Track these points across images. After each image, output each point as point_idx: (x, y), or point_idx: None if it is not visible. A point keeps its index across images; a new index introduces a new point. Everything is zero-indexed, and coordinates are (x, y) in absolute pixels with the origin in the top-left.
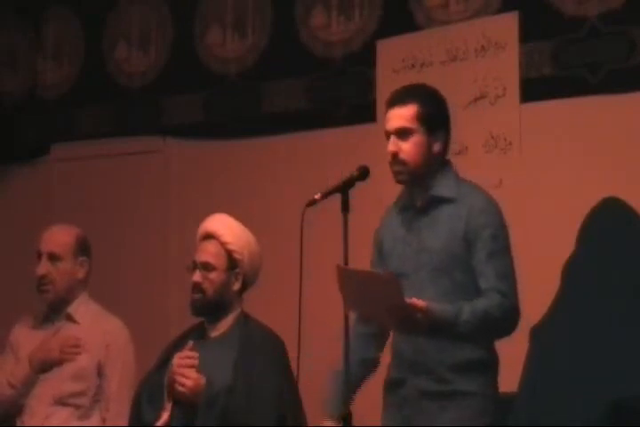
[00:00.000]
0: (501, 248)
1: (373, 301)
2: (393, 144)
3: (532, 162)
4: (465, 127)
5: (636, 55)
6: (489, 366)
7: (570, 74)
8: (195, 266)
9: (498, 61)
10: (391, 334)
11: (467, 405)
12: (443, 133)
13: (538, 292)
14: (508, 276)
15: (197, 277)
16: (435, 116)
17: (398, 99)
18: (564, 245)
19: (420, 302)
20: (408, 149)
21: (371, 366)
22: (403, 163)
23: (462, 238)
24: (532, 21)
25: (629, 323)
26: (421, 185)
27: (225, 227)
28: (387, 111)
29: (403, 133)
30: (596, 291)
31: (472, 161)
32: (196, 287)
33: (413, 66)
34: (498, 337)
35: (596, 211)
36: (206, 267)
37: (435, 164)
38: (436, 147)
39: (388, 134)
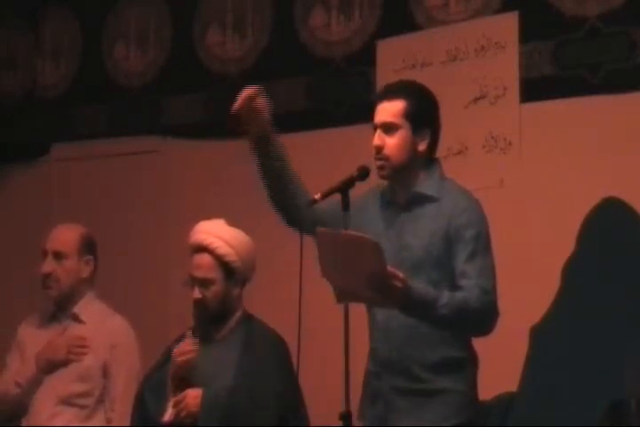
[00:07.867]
0: (483, 248)
1: (352, 268)
2: (378, 138)
3: (532, 162)
4: (465, 127)
5: (635, 55)
6: (466, 364)
7: (570, 74)
8: (193, 283)
9: (498, 61)
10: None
11: (442, 402)
12: (429, 132)
13: (538, 292)
14: (488, 274)
15: (198, 293)
16: (421, 115)
17: (387, 93)
18: (564, 245)
19: (400, 273)
20: (392, 144)
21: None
22: (386, 158)
23: (443, 237)
24: (532, 21)
25: (629, 323)
26: (404, 182)
27: (217, 238)
28: (376, 103)
29: (388, 128)
30: (596, 291)
31: (472, 161)
32: (198, 303)
33: (413, 66)
34: (474, 332)
35: (595, 211)
36: (205, 282)
37: (418, 162)
38: (421, 145)
39: (375, 127)
